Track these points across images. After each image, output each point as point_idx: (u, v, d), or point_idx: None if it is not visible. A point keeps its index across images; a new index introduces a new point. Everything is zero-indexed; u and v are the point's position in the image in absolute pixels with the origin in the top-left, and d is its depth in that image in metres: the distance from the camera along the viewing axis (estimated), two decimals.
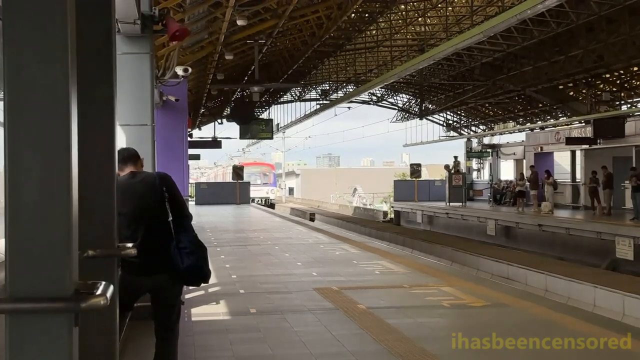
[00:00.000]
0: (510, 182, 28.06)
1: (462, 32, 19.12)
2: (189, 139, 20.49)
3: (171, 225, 3.57)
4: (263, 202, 39.81)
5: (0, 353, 1.55)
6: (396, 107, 37.28)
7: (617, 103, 23.36)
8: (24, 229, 1.50)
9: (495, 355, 4.80)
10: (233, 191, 30.92)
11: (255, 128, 24.01)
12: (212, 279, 3.94)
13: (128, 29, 5.70)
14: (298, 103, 37.43)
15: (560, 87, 25.41)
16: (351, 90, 31.51)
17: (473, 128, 35.01)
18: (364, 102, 36.80)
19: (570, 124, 26.44)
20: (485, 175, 34.14)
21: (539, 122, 29.13)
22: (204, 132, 35.43)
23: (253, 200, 35.66)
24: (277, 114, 38.74)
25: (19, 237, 1.50)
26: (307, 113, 35.91)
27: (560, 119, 27.47)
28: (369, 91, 32.27)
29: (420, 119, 34.74)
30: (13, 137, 1.50)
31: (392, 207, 34.78)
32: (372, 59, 27.68)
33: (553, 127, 27.93)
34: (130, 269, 3.44)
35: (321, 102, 35.00)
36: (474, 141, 34.21)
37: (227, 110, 31.53)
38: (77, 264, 1.58)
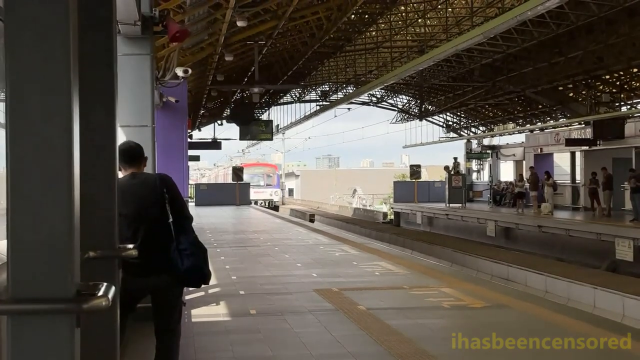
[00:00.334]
0: (510, 183, 28.07)
1: (462, 34, 19.14)
2: (188, 140, 20.48)
3: (171, 227, 3.57)
4: (267, 204, 37.67)
5: (2, 354, 1.56)
6: (396, 108, 37.30)
7: (617, 104, 23.37)
8: (26, 230, 1.50)
9: (496, 355, 4.80)
10: (233, 192, 30.92)
11: (255, 129, 23.98)
12: (212, 280, 3.94)
13: (128, 30, 5.70)
14: (298, 104, 37.49)
15: (560, 88, 25.42)
16: (351, 91, 31.55)
17: (473, 129, 35.02)
18: (363, 103, 36.82)
19: (570, 125, 26.45)
20: (485, 176, 34.14)
21: (539, 124, 29.16)
22: (204, 133, 35.54)
23: (256, 203, 34.70)
24: (277, 115, 38.84)
25: (21, 238, 1.50)
26: (307, 114, 35.95)
27: (560, 120, 27.49)
28: (368, 92, 32.28)
29: (420, 120, 34.75)
30: (14, 139, 1.50)
31: (392, 208, 34.80)
32: (372, 60, 27.69)
33: (553, 128, 27.94)
34: (130, 270, 3.45)
35: (321, 103, 35.04)
36: (474, 142, 34.22)
37: (227, 112, 31.56)
38: (79, 265, 1.58)
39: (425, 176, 38.52)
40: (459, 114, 34.77)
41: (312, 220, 30.63)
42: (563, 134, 26.54)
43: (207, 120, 33.91)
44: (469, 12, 19.73)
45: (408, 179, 36.52)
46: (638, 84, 23.81)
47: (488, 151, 33.34)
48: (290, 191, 69.55)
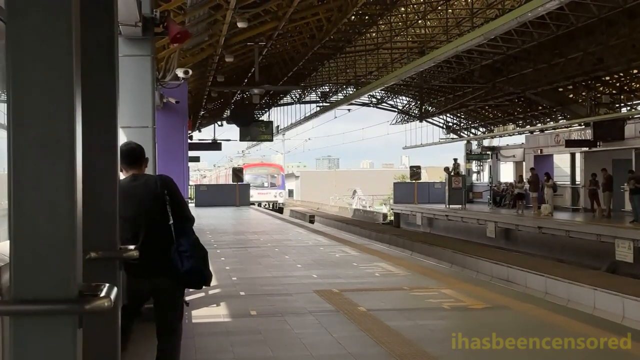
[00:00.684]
0: (510, 184, 28.07)
1: (462, 35, 19.16)
2: (189, 141, 20.49)
3: (172, 228, 3.58)
4: (271, 206, 35.48)
5: (5, 354, 1.56)
6: (396, 110, 37.30)
7: (617, 105, 23.37)
8: (28, 231, 1.51)
9: (496, 356, 4.81)
10: (233, 193, 30.92)
11: (255, 130, 23.98)
12: (213, 281, 3.94)
13: (129, 31, 5.70)
14: (298, 105, 37.51)
15: (560, 89, 25.43)
16: (351, 92, 31.55)
17: (473, 130, 35.02)
18: (363, 104, 36.83)
19: (570, 127, 26.45)
20: (485, 177, 34.15)
21: (539, 125, 29.15)
22: (204, 134, 35.49)
23: (259, 205, 33.93)
24: (277, 116, 38.85)
25: (24, 239, 1.51)
26: (307, 115, 35.96)
27: (560, 121, 27.48)
28: (368, 93, 32.30)
29: (420, 121, 34.75)
30: (17, 140, 1.51)
31: (392, 209, 34.80)
32: (372, 62, 27.71)
33: (553, 129, 27.94)
34: (131, 271, 3.45)
35: (321, 104, 35.05)
36: (474, 143, 34.22)
37: (227, 112, 31.57)
38: (81, 266, 1.59)
39: (425, 177, 38.59)
40: (459, 115, 34.78)
41: (312, 221, 30.63)
42: (563, 135, 26.53)
43: (207, 121, 33.93)
44: (469, 13, 19.75)
45: (408, 180, 36.53)
46: (638, 86, 23.82)
47: (488, 152, 33.35)
48: (290, 192, 69.46)
